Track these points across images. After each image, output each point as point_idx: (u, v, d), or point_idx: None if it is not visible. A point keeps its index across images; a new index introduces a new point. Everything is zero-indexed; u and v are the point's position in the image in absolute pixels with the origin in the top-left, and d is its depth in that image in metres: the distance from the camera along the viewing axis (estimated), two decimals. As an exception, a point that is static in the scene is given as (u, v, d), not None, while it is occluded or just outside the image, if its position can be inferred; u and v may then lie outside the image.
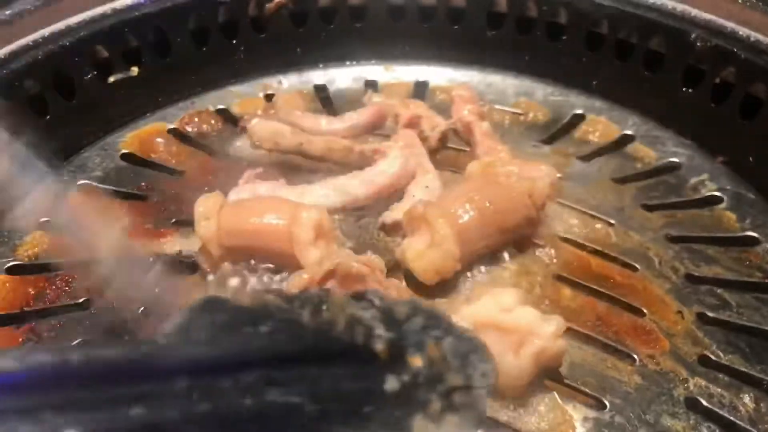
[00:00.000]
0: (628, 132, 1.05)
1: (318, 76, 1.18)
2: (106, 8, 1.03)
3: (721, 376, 0.72)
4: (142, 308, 0.77)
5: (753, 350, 0.75)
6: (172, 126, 1.06)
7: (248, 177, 0.87)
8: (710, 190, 0.96)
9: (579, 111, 1.09)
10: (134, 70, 1.05)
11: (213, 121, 1.08)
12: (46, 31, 0.98)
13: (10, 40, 0.96)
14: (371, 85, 1.16)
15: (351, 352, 0.48)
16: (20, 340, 0.76)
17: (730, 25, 0.98)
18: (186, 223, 0.87)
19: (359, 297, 0.50)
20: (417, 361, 0.49)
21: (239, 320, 0.45)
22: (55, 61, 0.98)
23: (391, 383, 0.47)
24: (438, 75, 1.17)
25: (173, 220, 0.89)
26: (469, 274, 0.78)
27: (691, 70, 1.02)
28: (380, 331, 0.49)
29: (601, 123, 1.07)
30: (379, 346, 0.48)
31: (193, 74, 1.11)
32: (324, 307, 0.48)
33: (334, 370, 0.46)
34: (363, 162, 0.92)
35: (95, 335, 0.76)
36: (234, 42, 1.13)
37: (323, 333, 0.47)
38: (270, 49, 1.15)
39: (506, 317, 0.65)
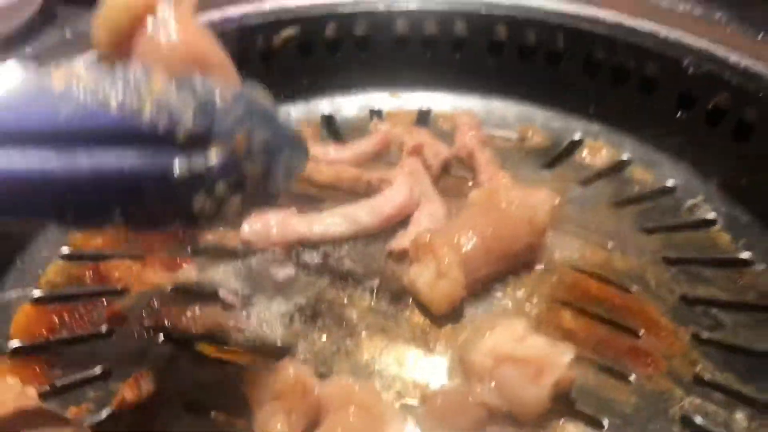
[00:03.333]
0: (626, 156, 1.09)
1: (325, 104, 1.22)
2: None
3: (715, 394, 0.75)
4: (162, 336, 0.81)
5: (746, 369, 0.78)
6: (185, 156, 1.10)
7: (260, 208, 0.91)
8: (705, 211, 0.99)
9: (578, 135, 1.13)
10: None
11: (224, 151, 1.11)
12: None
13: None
14: (377, 112, 1.20)
15: (149, 135, 0.51)
16: (45, 369, 0.79)
17: (722, 51, 1.01)
18: (201, 253, 0.92)
19: (183, 83, 0.54)
20: (216, 150, 0.53)
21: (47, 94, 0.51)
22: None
23: (181, 167, 0.52)
24: (441, 101, 1.21)
25: (189, 249, 0.93)
26: (474, 299, 0.81)
27: (685, 95, 1.05)
28: (187, 117, 0.52)
29: (600, 147, 1.10)
30: (179, 133, 0.52)
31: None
32: (134, 90, 0.52)
33: (124, 149, 0.51)
34: (370, 190, 0.96)
35: (119, 362, 0.79)
36: (243, 73, 1.17)
37: (126, 115, 0.51)
38: (278, 79, 1.19)
39: (521, 348, 0.69)
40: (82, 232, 0.94)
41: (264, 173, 0.56)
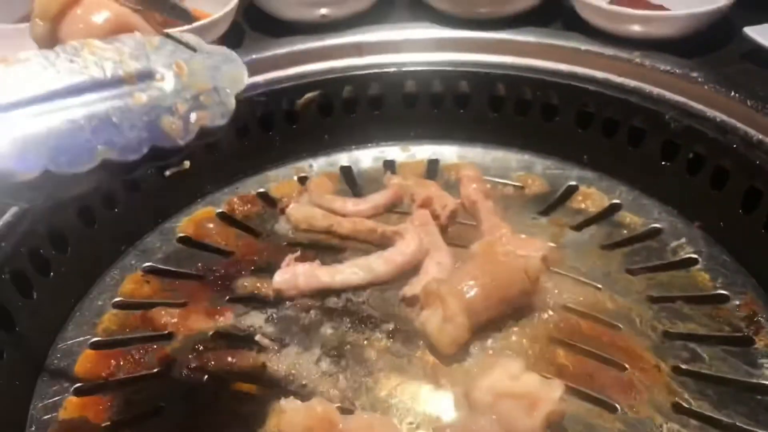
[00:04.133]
0: (616, 201, 1.20)
1: (343, 158, 1.34)
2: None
3: (692, 421, 0.85)
4: (206, 376, 0.93)
5: (720, 397, 0.88)
6: (220, 210, 1.23)
7: (289, 260, 1.03)
8: (688, 252, 1.09)
9: (573, 182, 1.24)
10: (186, 164, 1.22)
11: (255, 204, 1.24)
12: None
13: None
14: (390, 164, 1.32)
15: (102, 82, 0.64)
16: (106, 406, 0.91)
17: (699, 107, 1.12)
18: (238, 300, 1.04)
19: (110, 42, 0.67)
20: (162, 78, 0.67)
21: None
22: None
23: (138, 98, 0.65)
24: (448, 152, 1.33)
25: (227, 297, 1.06)
26: (478, 340, 0.92)
27: (669, 146, 1.16)
28: (128, 62, 0.66)
29: (593, 193, 1.21)
30: (125, 74, 0.65)
31: (236, 163, 1.28)
32: (78, 56, 0.65)
33: (91, 96, 0.63)
34: (384, 241, 1.08)
35: (169, 399, 0.91)
36: (270, 133, 1.30)
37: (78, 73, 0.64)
38: (302, 137, 1.32)
39: (516, 384, 0.80)
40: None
41: (212, 88, 0.68)
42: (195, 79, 0.68)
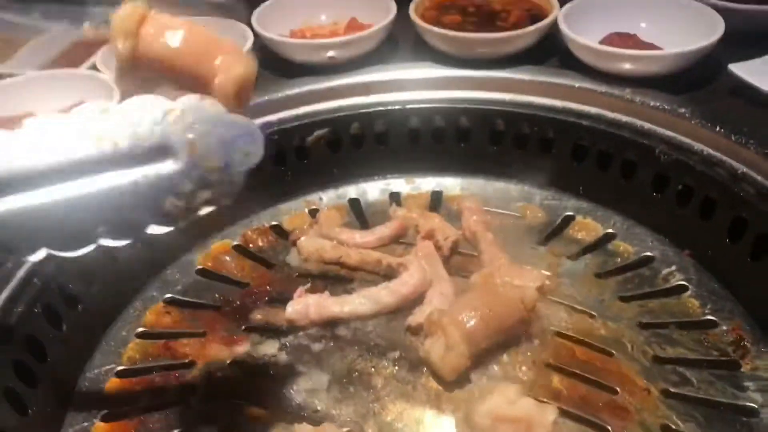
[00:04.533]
0: (611, 230, 1.26)
1: (352, 190, 1.41)
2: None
3: (680, 441, 0.91)
4: (224, 402, 1.00)
5: (707, 419, 0.93)
6: (235, 243, 1.30)
7: (300, 292, 1.10)
8: (678, 280, 1.15)
9: (570, 212, 1.30)
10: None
11: (268, 236, 1.31)
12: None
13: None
14: (395, 196, 1.39)
15: (112, 158, 0.63)
16: (133, 431, 0.98)
17: (687, 141, 1.17)
18: (254, 330, 1.11)
19: (132, 106, 0.66)
20: (174, 155, 0.63)
21: None
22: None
23: (145, 178, 0.63)
24: (451, 184, 1.40)
25: (243, 327, 1.12)
26: (478, 367, 0.98)
27: (659, 178, 1.22)
28: (144, 135, 0.63)
29: (588, 223, 1.27)
30: (138, 149, 0.62)
31: (250, 197, 1.35)
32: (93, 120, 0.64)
33: (97, 172, 0.62)
34: (390, 272, 1.15)
35: (191, 425, 0.98)
36: (282, 168, 1.37)
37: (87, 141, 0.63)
38: (312, 171, 1.39)
39: (513, 408, 0.87)
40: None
41: (223, 165, 0.64)
42: (207, 156, 0.64)
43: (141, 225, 0.64)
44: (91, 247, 0.63)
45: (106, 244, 0.63)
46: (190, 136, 0.64)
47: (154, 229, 0.66)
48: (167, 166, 0.64)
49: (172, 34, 0.79)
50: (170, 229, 0.66)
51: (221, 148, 0.65)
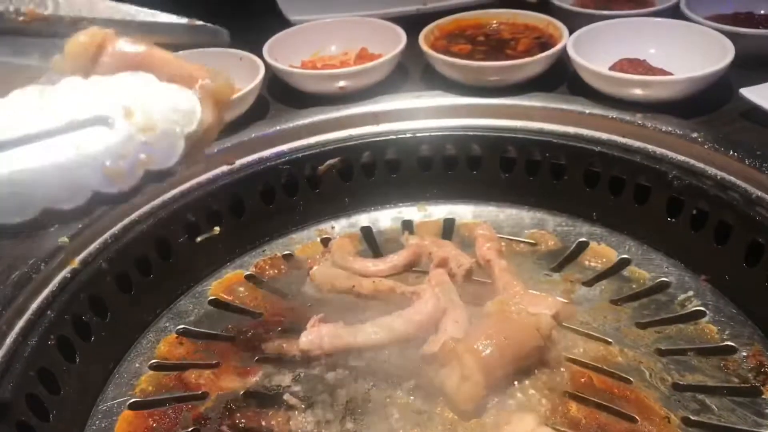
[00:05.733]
0: (625, 256, 1.25)
1: (364, 218, 1.41)
2: (192, 183, 1.28)
3: (700, 471, 0.90)
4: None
5: (728, 448, 0.92)
6: (248, 273, 1.30)
7: (314, 321, 1.09)
8: (695, 305, 1.14)
9: (584, 238, 1.29)
10: (216, 230, 1.29)
11: (281, 266, 1.31)
12: (147, 207, 1.24)
13: (122, 217, 1.21)
14: (408, 224, 1.38)
15: (52, 131, 0.67)
16: (147, 462, 0.98)
17: (700, 165, 1.17)
18: (267, 360, 1.10)
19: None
20: (112, 123, 0.67)
21: None
22: (156, 229, 1.23)
23: (83, 147, 0.66)
24: (463, 212, 1.40)
25: (256, 358, 1.11)
26: (494, 396, 0.97)
27: (673, 202, 1.21)
28: (85, 107, 0.67)
29: (602, 249, 1.27)
30: (76, 121, 0.67)
31: (262, 227, 1.36)
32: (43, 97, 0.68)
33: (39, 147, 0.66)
34: (403, 300, 1.14)
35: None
36: (294, 198, 1.38)
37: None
38: (324, 200, 1.39)
39: (531, 438, 0.86)
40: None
41: (161, 130, 0.69)
42: (145, 121, 0.69)
43: (86, 186, 0.67)
44: (32, 216, 0.66)
45: (54, 207, 0.66)
46: (126, 102, 0.69)
47: (102, 189, 0.68)
48: (105, 131, 0.68)
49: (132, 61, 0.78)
50: (116, 191, 0.68)
51: (162, 111, 0.70)
